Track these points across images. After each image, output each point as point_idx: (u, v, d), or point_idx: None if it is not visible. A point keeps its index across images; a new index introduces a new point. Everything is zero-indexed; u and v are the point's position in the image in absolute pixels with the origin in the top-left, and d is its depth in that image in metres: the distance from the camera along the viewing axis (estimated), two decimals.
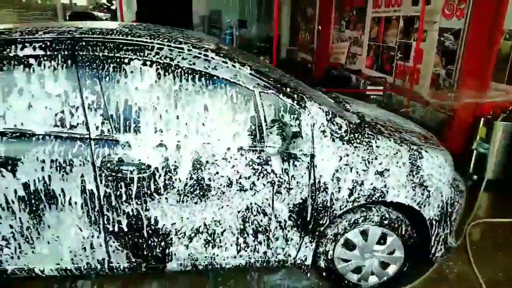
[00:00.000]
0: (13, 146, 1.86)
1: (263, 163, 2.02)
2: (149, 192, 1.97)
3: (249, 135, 2.01)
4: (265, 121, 2.01)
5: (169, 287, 2.44)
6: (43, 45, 1.88)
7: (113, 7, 17.63)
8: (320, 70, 9.92)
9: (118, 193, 1.95)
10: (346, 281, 2.35)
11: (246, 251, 2.21)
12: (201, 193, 2.01)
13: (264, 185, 2.04)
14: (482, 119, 3.91)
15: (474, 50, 4.27)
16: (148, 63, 1.93)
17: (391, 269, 2.34)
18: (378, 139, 2.14)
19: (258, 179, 2.03)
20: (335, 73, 8.92)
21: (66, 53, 1.89)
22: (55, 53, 1.89)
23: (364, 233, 2.24)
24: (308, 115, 2.04)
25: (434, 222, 2.25)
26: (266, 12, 17.74)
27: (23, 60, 1.86)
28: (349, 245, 2.27)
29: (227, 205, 2.06)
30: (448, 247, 2.39)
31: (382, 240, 2.27)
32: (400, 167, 2.15)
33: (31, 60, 1.87)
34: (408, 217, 2.25)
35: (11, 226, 1.98)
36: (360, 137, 2.11)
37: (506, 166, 3.82)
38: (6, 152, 1.85)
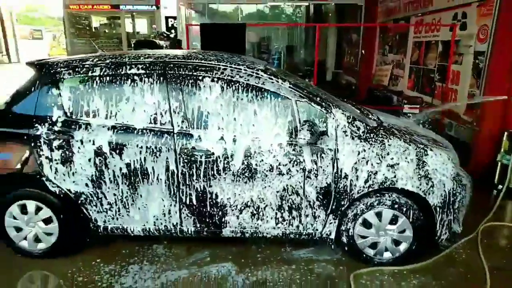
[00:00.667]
0: (121, 136, 2.68)
1: (297, 154, 2.67)
2: (212, 172, 2.69)
3: (287, 133, 2.68)
4: (299, 122, 2.68)
5: (221, 254, 3.09)
6: (144, 66, 2.72)
7: (171, 35, 19.46)
8: (363, 91, 10.43)
9: (190, 172, 2.69)
10: (364, 255, 2.88)
11: (282, 224, 2.84)
12: (250, 175, 2.69)
13: (297, 171, 2.68)
14: (506, 133, 4.26)
15: (496, 70, 4.66)
16: (215, 79, 2.70)
17: (402, 247, 2.83)
18: (390, 139, 2.72)
19: (293, 166, 2.68)
20: (378, 94, 9.38)
21: (159, 72, 2.71)
22: (152, 72, 2.71)
23: (379, 215, 2.78)
24: (333, 118, 2.68)
25: (438, 209, 2.74)
26: (313, 39, 18.61)
27: (130, 76, 2.71)
28: (367, 224, 2.81)
29: (269, 186, 2.72)
30: (453, 232, 2.84)
31: (394, 221, 2.79)
32: (408, 162, 2.69)
33: (136, 77, 2.71)
34: (415, 203, 2.75)
35: (115, 194, 2.78)
36: (375, 136, 2.71)
37: None
38: (116, 140, 2.67)
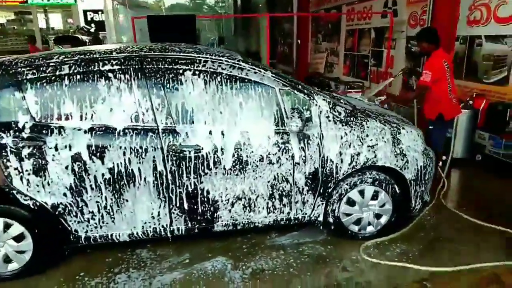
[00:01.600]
0: (101, 138, 2.49)
1: (286, 142, 2.72)
2: (202, 168, 2.63)
3: (274, 122, 2.72)
4: (285, 111, 2.73)
5: (209, 250, 3.05)
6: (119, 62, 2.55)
7: (92, 30, 18.21)
8: (301, 79, 10.79)
9: (180, 170, 2.60)
10: (349, 232, 3.05)
11: (274, 212, 2.89)
12: (240, 167, 2.68)
13: (286, 159, 2.74)
14: None
15: None
16: (198, 72, 2.62)
17: (383, 219, 3.06)
18: (368, 121, 2.89)
19: (282, 154, 2.73)
20: (316, 81, 9.80)
21: (136, 67, 2.56)
22: (128, 67, 2.55)
23: (361, 192, 2.96)
24: (316, 105, 2.77)
25: (412, 182, 3.00)
26: (244, 30, 18.72)
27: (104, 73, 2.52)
28: (351, 202, 2.98)
29: (260, 176, 2.74)
30: (424, 201, 3.14)
31: (375, 196, 2.99)
32: (385, 141, 2.90)
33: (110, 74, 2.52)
34: (393, 178, 2.98)
35: (98, 202, 2.59)
36: (354, 120, 2.86)
37: (467, 147, 4.68)
38: (96, 143, 2.48)
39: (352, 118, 2.86)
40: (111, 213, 2.63)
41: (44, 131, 2.43)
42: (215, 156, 2.63)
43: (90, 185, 2.53)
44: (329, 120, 2.80)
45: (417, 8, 6.29)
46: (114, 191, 2.57)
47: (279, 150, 2.72)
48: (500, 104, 4.51)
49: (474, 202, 3.73)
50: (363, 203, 2.99)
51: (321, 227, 3.08)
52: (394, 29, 6.86)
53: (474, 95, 4.78)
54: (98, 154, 2.48)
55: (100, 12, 19.56)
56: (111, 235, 2.71)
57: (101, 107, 2.51)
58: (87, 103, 2.49)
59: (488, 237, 3.10)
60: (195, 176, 2.64)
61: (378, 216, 3.05)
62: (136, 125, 2.54)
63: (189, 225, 2.79)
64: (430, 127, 4.03)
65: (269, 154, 2.71)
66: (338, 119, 2.82)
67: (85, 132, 2.47)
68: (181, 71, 2.61)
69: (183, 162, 2.60)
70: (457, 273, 2.67)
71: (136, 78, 2.56)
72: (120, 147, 2.51)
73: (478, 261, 2.74)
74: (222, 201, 2.76)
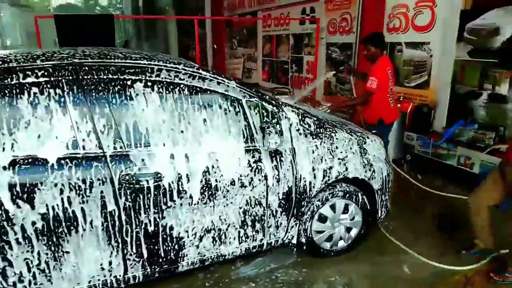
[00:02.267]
0: (28, 175, 1.86)
1: (257, 160, 2.40)
2: (164, 200, 2.16)
3: (244, 138, 2.38)
4: (254, 125, 2.41)
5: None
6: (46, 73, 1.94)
7: None
8: None
9: (136, 205, 2.09)
10: (321, 250, 2.86)
11: (246, 241, 2.54)
12: (209, 195, 2.28)
13: (259, 180, 2.42)
14: None
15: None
16: (151, 84, 2.15)
17: (353, 232, 2.93)
18: (336, 132, 2.73)
19: (254, 175, 2.40)
20: None
21: (71, 78, 1.99)
22: (59, 79, 1.97)
23: (333, 207, 2.79)
24: (286, 117, 2.51)
25: (379, 192, 2.94)
26: (149, 33, 17.68)
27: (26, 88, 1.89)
28: (322, 219, 2.79)
29: (231, 202, 2.37)
30: (388, 210, 3.11)
31: (345, 210, 2.85)
32: (353, 152, 2.77)
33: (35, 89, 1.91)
34: (361, 189, 2.88)
35: (27, 259, 1.94)
36: (324, 131, 2.67)
37: (400, 147, 4.93)
38: (21, 181, 1.84)
39: (321, 130, 2.67)
40: (47, 271, 2.00)
41: None
42: (179, 184, 2.18)
43: (16, 239, 1.87)
44: (300, 134, 2.56)
45: (336, 16, 6.51)
46: (50, 244, 1.95)
47: (251, 171, 2.39)
48: (425, 106, 4.84)
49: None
50: (334, 218, 2.82)
51: (294, 249, 2.83)
52: (314, 35, 7.01)
53: (401, 99, 5.06)
54: (25, 196, 1.85)
55: None
56: None
57: (24, 133, 1.87)
58: (5, 129, 1.84)
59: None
60: (156, 211, 2.16)
61: (348, 229, 2.92)
62: (75, 153, 1.96)
63: (148, 270, 2.29)
64: (373, 131, 4.10)
65: (240, 176, 2.36)
66: (308, 131, 2.60)
67: (4, 168, 1.82)
68: (129, 83, 2.11)
69: (140, 195, 2.10)
70: None
71: (71, 92, 1.98)
72: (56, 184, 1.91)
73: None
74: (188, 236, 2.31)
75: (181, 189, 2.19)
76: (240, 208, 2.42)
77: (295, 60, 7.97)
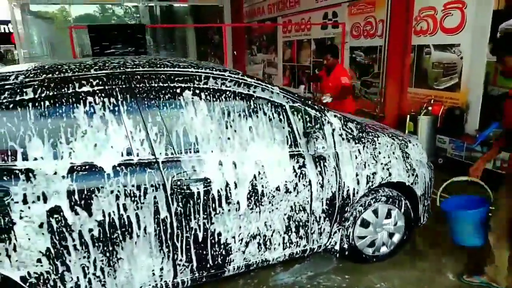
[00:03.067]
0: (85, 182, 1.90)
1: (302, 166, 2.40)
2: (213, 206, 2.17)
3: (288, 144, 2.38)
4: (297, 131, 2.41)
5: None
6: (101, 82, 1.99)
7: None
8: None
9: (187, 210, 2.12)
10: (364, 255, 2.82)
11: (290, 247, 2.54)
12: (256, 201, 2.29)
13: (304, 185, 2.42)
14: (408, 115, 4.90)
15: (394, 62, 5.31)
16: (199, 91, 2.18)
17: (396, 238, 2.89)
18: (378, 136, 2.71)
19: (299, 181, 2.40)
20: None
21: (124, 86, 2.03)
22: (113, 87, 2.01)
23: (375, 212, 2.76)
24: (328, 122, 2.50)
25: (422, 197, 2.89)
26: (165, 41, 17.92)
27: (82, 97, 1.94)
28: (365, 224, 2.76)
29: (276, 208, 2.37)
30: (430, 214, 3.06)
31: (388, 215, 2.81)
32: (396, 157, 2.74)
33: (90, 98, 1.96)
34: (404, 194, 2.84)
35: (83, 265, 1.97)
36: (366, 136, 2.66)
37: (431, 151, 4.85)
38: (79, 188, 1.88)
39: (363, 134, 2.65)
40: (102, 278, 2.03)
41: (5, 177, 1.77)
42: (227, 190, 2.20)
43: (74, 245, 1.91)
44: (343, 139, 2.55)
45: (360, 19, 6.49)
46: (106, 251, 1.99)
47: (295, 176, 2.39)
48: (457, 108, 4.76)
49: None
50: (377, 224, 2.79)
51: (336, 255, 2.80)
52: (337, 40, 7.00)
53: (432, 102, 4.99)
54: (82, 203, 1.89)
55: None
56: None
57: (81, 141, 1.92)
58: (63, 138, 1.89)
59: None
60: (205, 217, 2.18)
61: (391, 235, 2.88)
62: (129, 160, 2.00)
63: (197, 274, 2.30)
64: None
65: (285, 182, 2.36)
66: (351, 136, 2.59)
67: (63, 177, 1.86)
68: (179, 91, 2.14)
69: (191, 201, 2.12)
70: None
71: (124, 101, 2.02)
72: (112, 192, 1.94)
73: None
74: (235, 242, 2.32)
75: (229, 195, 2.20)
76: (285, 214, 2.42)
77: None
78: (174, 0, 12.41)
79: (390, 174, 2.69)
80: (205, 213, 2.17)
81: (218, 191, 2.17)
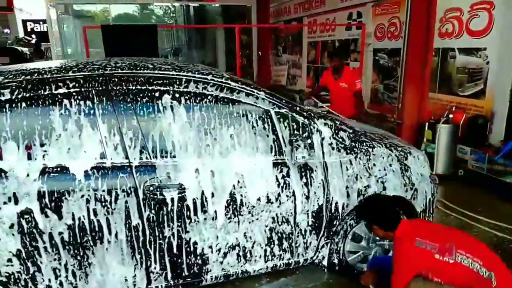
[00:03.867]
0: (56, 184, 1.91)
1: (285, 176, 2.29)
2: (187, 214, 2.12)
3: (272, 152, 2.28)
4: (283, 138, 2.31)
5: None
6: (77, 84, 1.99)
7: (33, 41, 16.75)
8: None
9: (160, 217, 2.08)
10: (355, 271, 2.67)
11: (272, 260, 2.44)
12: (234, 210, 2.21)
13: (287, 196, 2.31)
14: (427, 123, 4.62)
15: (413, 66, 5.03)
16: (179, 95, 2.13)
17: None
18: (373, 147, 2.55)
19: (282, 191, 2.29)
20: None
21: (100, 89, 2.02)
22: (90, 89, 2.00)
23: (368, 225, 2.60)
24: (317, 130, 2.38)
25: (422, 214, 2.70)
26: (199, 41, 18.17)
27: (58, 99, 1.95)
28: (356, 238, 2.61)
29: (257, 219, 2.29)
30: None
31: None
32: (394, 170, 2.57)
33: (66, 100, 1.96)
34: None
35: (55, 269, 1.99)
36: (359, 146, 2.50)
37: (451, 162, 4.55)
38: (49, 190, 1.89)
39: (357, 144, 2.51)
40: (73, 281, 2.04)
41: None
42: (203, 199, 2.14)
43: (44, 247, 1.93)
44: (333, 148, 2.42)
45: (384, 20, 6.22)
46: (76, 254, 1.99)
47: (278, 186, 2.29)
48: (480, 117, 4.44)
49: None
50: (370, 238, 2.63)
51: (325, 270, 2.67)
52: (359, 41, 6.75)
53: (453, 109, 4.68)
54: (53, 205, 1.90)
55: (41, 22, 18.15)
56: None
57: (55, 144, 1.93)
58: (37, 140, 1.90)
59: None
60: (179, 225, 2.13)
61: (386, 251, 2.71)
62: (102, 163, 1.99)
63: (171, 283, 2.26)
64: None
65: (267, 192, 2.27)
66: (342, 145, 2.45)
67: (34, 179, 1.88)
68: (157, 94, 2.11)
69: (164, 208, 2.08)
70: None
71: (100, 103, 2.01)
72: (82, 196, 1.94)
73: None
74: (212, 252, 2.26)
75: (205, 204, 2.14)
76: (267, 226, 2.33)
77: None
78: None
79: (384, 188, 2.53)
80: (180, 221, 2.12)
81: (194, 200, 2.12)
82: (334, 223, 2.48)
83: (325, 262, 2.59)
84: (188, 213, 2.12)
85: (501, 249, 3.05)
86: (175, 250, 2.17)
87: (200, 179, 2.13)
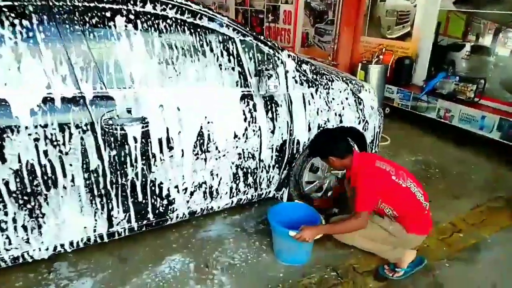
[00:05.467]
0: None
1: (252, 109, 2.22)
2: (151, 151, 1.95)
3: (238, 83, 2.17)
4: (248, 69, 2.19)
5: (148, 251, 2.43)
6: None
7: None
8: None
9: (120, 155, 1.88)
10: (311, 199, 2.79)
11: (237, 195, 2.42)
12: (201, 147, 2.09)
13: (254, 131, 2.25)
14: (360, 64, 4.84)
15: (348, 9, 5.12)
16: (135, 15, 1.86)
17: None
18: (333, 80, 2.58)
19: (249, 125, 2.22)
20: None
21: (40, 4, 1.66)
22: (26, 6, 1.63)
23: None
24: (282, 62, 2.30)
25: (371, 144, 2.88)
26: None
27: None
28: (314, 169, 2.70)
29: (224, 155, 2.20)
30: None
31: None
32: (349, 104, 2.65)
33: None
34: (353, 139, 2.79)
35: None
36: (320, 79, 2.51)
37: (380, 100, 4.88)
38: None
39: (318, 77, 2.50)
40: (24, 235, 1.78)
41: None
42: (169, 135, 1.97)
43: None
44: (296, 81, 2.38)
45: None
46: (24, 203, 1.72)
47: (245, 121, 2.21)
48: (407, 58, 4.77)
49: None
50: (326, 169, 2.74)
51: (282, 200, 2.73)
52: None
53: (383, 50, 4.94)
54: None
55: None
56: (24, 254, 1.86)
57: None
58: None
59: None
60: (143, 163, 1.95)
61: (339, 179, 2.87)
62: (49, 95, 1.68)
63: (135, 225, 2.12)
64: None
65: (234, 127, 2.18)
66: (305, 79, 2.43)
67: None
68: (109, 14, 1.80)
69: (126, 145, 1.88)
70: None
71: (41, 24, 1.66)
72: (29, 135, 1.64)
73: None
74: (178, 192, 2.15)
75: (171, 140, 1.98)
76: (233, 162, 2.27)
77: (271, 9, 7.56)
78: None
79: (341, 121, 2.61)
80: (144, 158, 1.94)
81: (159, 137, 1.94)
82: (296, 156, 2.52)
83: (285, 194, 2.65)
84: (152, 151, 1.95)
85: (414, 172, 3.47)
86: (139, 192, 2.01)
87: (165, 114, 1.94)
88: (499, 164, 3.69)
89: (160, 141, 1.95)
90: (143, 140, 1.91)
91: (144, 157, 1.94)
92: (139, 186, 1.99)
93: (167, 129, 1.96)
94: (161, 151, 1.97)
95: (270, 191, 2.58)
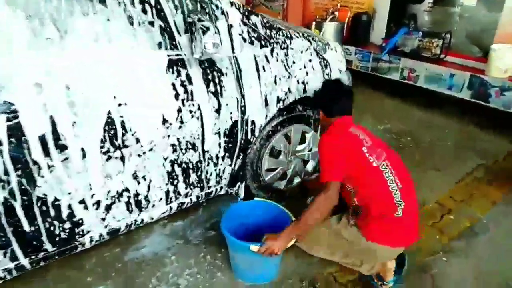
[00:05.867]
0: None
1: (186, 81, 1.57)
2: (30, 155, 1.26)
3: (161, 45, 1.49)
4: (175, 23, 1.53)
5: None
6: None
7: None
8: None
9: None
10: (275, 190, 2.26)
11: (177, 199, 1.80)
12: (112, 142, 1.43)
13: (191, 112, 1.61)
14: (314, 22, 4.27)
15: None
16: None
17: (310, 166, 2.37)
18: (292, 37, 1.98)
19: (183, 105, 1.58)
20: None
21: None
22: None
23: (287, 136, 2.14)
24: (223, 13, 1.65)
25: None
26: None
27: None
28: (275, 153, 2.15)
29: (150, 150, 1.56)
30: None
31: (303, 139, 2.23)
32: (313, 68, 2.09)
33: None
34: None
35: None
36: (275, 34, 1.89)
37: None
38: None
39: (272, 34, 1.88)
40: None
41: None
42: (55, 128, 1.29)
43: None
44: (244, 40, 1.75)
45: None
46: None
47: (176, 98, 1.56)
48: (364, 14, 4.26)
49: None
50: (289, 151, 2.19)
51: (241, 197, 2.16)
52: None
53: (338, 6, 4.39)
54: None
55: None
56: None
57: None
58: None
59: None
60: (20, 175, 1.26)
61: (305, 162, 2.34)
62: None
63: (26, 260, 1.45)
64: None
65: (161, 108, 1.53)
66: (256, 35, 1.80)
67: None
68: None
69: None
70: None
71: None
72: None
73: None
74: (87, 208, 1.49)
75: (61, 136, 1.30)
76: (165, 158, 1.63)
77: None
78: None
79: (305, 90, 2.04)
80: (18, 168, 1.25)
81: (38, 131, 1.25)
82: (252, 140, 1.93)
83: (242, 190, 2.08)
84: (32, 155, 1.26)
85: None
86: (21, 217, 1.33)
87: (45, 96, 1.25)
88: (470, 125, 3.37)
89: (42, 139, 1.26)
90: (13, 139, 1.21)
91: (19, 166, 1.25)
92: (19, 208, 1.31)
93: (52, 120, 1.27)
94: (47, 154, 1.29)
95: (221, 188, 1.99)
